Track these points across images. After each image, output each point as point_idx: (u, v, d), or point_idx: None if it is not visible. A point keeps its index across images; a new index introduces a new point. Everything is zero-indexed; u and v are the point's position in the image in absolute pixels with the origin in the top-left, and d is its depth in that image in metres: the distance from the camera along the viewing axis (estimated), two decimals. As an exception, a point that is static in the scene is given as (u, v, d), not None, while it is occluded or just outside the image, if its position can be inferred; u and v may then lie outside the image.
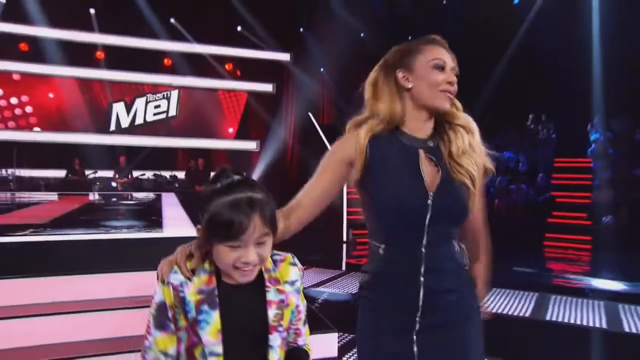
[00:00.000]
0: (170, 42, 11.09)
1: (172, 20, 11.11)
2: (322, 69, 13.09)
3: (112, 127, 11.26)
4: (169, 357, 1.15)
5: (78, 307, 2.96)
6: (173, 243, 2.53)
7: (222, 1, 10.81)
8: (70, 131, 10.56)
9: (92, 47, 10.68)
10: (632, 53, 9.77)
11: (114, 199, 8.28)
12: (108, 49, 10.76)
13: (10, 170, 9.70)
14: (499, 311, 3.91)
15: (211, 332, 1.11)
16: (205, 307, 1.11)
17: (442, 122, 1.37)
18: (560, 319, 3.74)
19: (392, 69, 1.36)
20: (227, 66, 12.16)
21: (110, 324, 2.90)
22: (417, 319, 1.31)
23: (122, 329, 2.87)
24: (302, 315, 1.27)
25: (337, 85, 13.15)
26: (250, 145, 11.76)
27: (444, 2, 12.86)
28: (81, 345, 2.75)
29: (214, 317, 1.11)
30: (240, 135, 12.09)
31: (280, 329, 1.17)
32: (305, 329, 1.28)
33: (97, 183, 9.89)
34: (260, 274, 1.18)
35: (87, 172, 10.00)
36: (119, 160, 10.29)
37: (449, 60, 1.36)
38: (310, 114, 11.91)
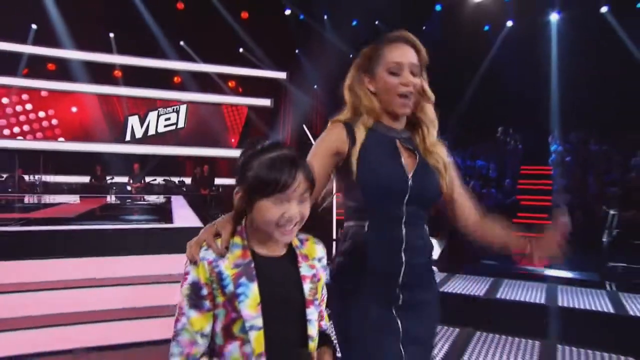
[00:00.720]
0: (180, 62, 11.48)
1: (181, 43, 11.48)
2: (315, 86, 13.45)
3: (128, 138, 11.53)
4: (205, 338, 1.02)
5: (110, 282, 3.57)
6: (181, 232, 3.45)
7: (225, 26, 11.19)
8: (90, 141, 10.92)
9: (111, 66, 11.10)
10: (585, 74, 10.27)
11: (129, 201, 8.62)
12: (125, 68, 11.16)
13: (37, 176, 10.04)
14: (462, 292, 4.42)
15: (251, 305, 1.01)
16: (243, 280, 1.01)
17: (418, 115, 1.40)
18: (507, 297, 4.31)
19: (362, 72, 1.38)
20: (230, 83, 12.45)
21: (133, 297, 3.47)
22: (398, 291, 1.31)
23: (142, 301, 3.45)
24: (324, 299, 1.18)
25: (328, 101, 13.41)
26: None
27: (424, 27, 13.22)
28: (113, 312, 3.36)
29: (253, 290, 1.01)
30: (241, 145, 12.21)
31: (316, 302, 1.09)
32: (326, 313, 1.20)
33: (114, 187, 10.23)
34: (292, 249, 1.11)
35: (106, 177, 10.38)
36: (133, 167, 10.64)
37: (408, 58, 1.34)
38: (304, 126, 12.27)
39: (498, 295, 4.23)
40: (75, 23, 10.10)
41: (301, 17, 12.38)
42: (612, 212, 8.11)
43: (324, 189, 1.38)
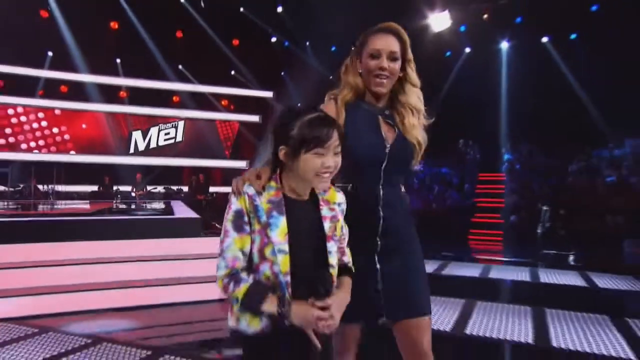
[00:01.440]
0: (178, 84, 12.07)
1: (180, 66, 12.19)
2: (299, 104, 14.16)
3: (132, 150, 11.97)
4: (245, 256, 1.13)
5: (126, 259, 4.38)
6: (181, 220, 4.53)
7: (218, 52, 12.01)
8: (98, 154, 11.45)
9: (117, 88, 11.79)
10: (531, 95, 11.12)
11: (133, 206, 9.26)
12: (129, 89, 11.81)
13: (50, 186, 10.57)
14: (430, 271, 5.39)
15: (279, 234, 1.12)
16: (274, 213, 1.13)
17: (399, 97, 1.52)
18: (452, 274, 5.30)
19: (355, 55, 1.53)
20: (222, 102, 13.04)
21: (145, 271, 4.28)
22: (378, 240, 1.44)
23: (152, 274, 4.29)
24: (346, 238, 1.28)
25: None
26: (241, 164, 12.50)
27: None
28: (132, 282, 4.16)
29: (282, 222, 1.13)
30: (233, 156, 12.77)
31: (335, 237, 1.21)
32: (348, 250, 1.30)
33: (119, 195, 10.86)
34: (315, 195, 1.21)
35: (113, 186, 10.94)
36: (136, 176, 11.22)
37: (389, 45, 1.46)
38: None
39: (455, 273, 5.26)
40: (86, 50, 10.90)
41: (286, 43, 13.25)
42: (544, 208, 9.13)
43: None
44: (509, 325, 3.57)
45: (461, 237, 9.77)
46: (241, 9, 11.58)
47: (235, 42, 12.40)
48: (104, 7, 10.60)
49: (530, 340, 3.26)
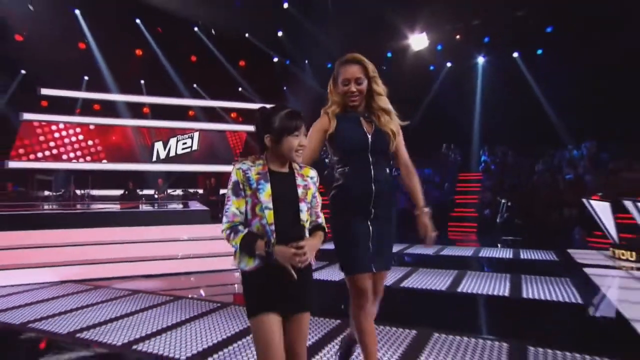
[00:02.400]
0: (193, 100, 13.26)
1: (194, 85, 13.46)
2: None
3: (154, 159, 12.99)
4: (241, 213, 1.49)
5: (153, 239, 5.62)
6: (196, 211, 6.23)
7: (227, 72, 13.30)
8: (126, 162, 12.60)
9: (141, 105, 13.08)
10: (505, 103, 12.06)
11: (156, 205, 10.48)
12: (152, 105, 13.08)
13: (86, 190, 11.67)
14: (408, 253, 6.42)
15: (265, 195, 1.47)
16: (262, 182, 1.48)
17: (372, 104, 1.97)
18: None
19: (333, 80, 2.00)
20: (232, 115, 14.23)
21: (167, 248, 5.52)
22: (371, 209, 1.89)
23: (174, 251, 5.49)
24: (319, 204, 1.60)
25: (309, 126, 15.29)
26: None
27: (384, 67, 15.16)
28: (157, 257, 5.42)
29: (267, 187, 1.48)
30: None
31: (306, 201, 1.54)
32: (322, 214, 1.62)
33: (143, 198, 12.06)
34: (292, 169, 1.55)
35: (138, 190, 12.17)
36: (158, 181, 12.53)
37: (354, 73, 1.91)
38: None
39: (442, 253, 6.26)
40: (115, 74, 12.31)
41: (287, 62, 14.46)
42: (502, 201, 10.16)
43: (319, 152, 1.93)
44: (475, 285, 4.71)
45: (441, 229, 10.86)
46: (246, 35, 12.85)
47: (242, 63, 13.64)
48: (130, 38, 12.00)
49: (506, 293, 4.29)
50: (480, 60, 13.85)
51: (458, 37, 12.61)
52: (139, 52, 12.83)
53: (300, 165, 1.58)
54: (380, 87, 1.98)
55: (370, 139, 1.89)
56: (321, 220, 1.62)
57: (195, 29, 12.69)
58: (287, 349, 1.49)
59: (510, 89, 12.46)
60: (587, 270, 5.04)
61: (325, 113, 1.96)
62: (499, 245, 7.86)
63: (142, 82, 12.97)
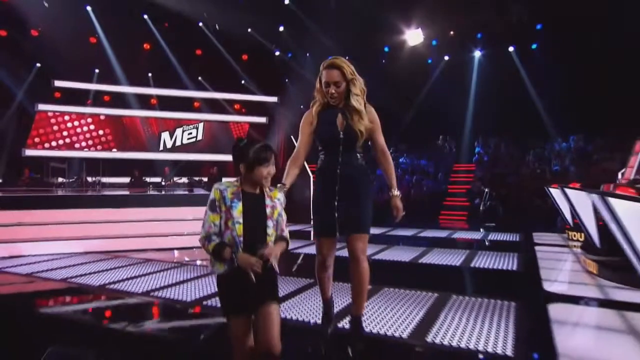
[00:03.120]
0: (198, 92, 13.99)
1: (199, 78, 14.21)
2: (301, 106, 15.88)
3: (161, 148, 13.77)
4: (215, 226, 1.83)
5: (163, 219, 6.59)
6: (200, 195, 7.54)
7: (231, 65, 14.07)
8: (135, 151, 13.41)
9: (149, 96, 13.92)
10: (499, 96, 12.74)
11: (163, 191, 11.37)
12: (159, 97, 13.88)
13: (96, 177, 12.65)
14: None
15: (237, 212, 1.80)
16: (235, 200, 1.82)
17: (349, 102, 2.38)
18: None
19: (318, 82, 2.42)
20: (235, 106, 14.84)
21: (173, 227, 6.48)
22: (336, 187, 2.39)
23: (179, 229, 6.44)
24: (284, 221, 1.93)
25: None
26: None
27: (383, 61, 15.88)
28: (164, 234, 6.39)
29: (239, 205, 1.81)
30: None
31: (272, 218, 1.88)
32: (286, 229, 1.95)
33: (150, 185, 12.99)
34: (262, 191, 1.89)
35: (144, 178, 13.17)
36: (164, 169, 13.50)
37: (333, 77, 2.32)
38: (292, 138, 14.43)
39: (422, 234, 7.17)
40: (124, 66, 13.21)
41: (289, 55, 15.23)
42: (486, 190, 10.99)
43: (311, 142, 2.42)
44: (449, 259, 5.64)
45: (433, 216, 11.61)
46: (249, 30, 13.66)
47: (245, 57, 14.46)
48: (139, 32, 12.88)
49: (457, 264, 5.24)
50: (477, 54, 14.54)
51: (452, 32, 13.31)
52: (146, 46, 13.70)
53: (270, 188, 1.91)
54: (357, 88, 2.39)
55: (341, 135, 2.37)
56: (285, 233, 1.93)
57: (200, 24, 13.49)
58: (262, 339, 1.82)
59: (504, 82, 13.11)
60: (537, 247, 5.92)
61: (310, 109, 2.47)
62: (481, 229, 8.75)
63: (150, 74, 13.79)
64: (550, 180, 11.36)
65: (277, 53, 14.83)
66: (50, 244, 5.74)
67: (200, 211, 6.05)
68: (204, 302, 3.59)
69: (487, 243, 6.71)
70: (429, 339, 2.69)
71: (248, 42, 13.62)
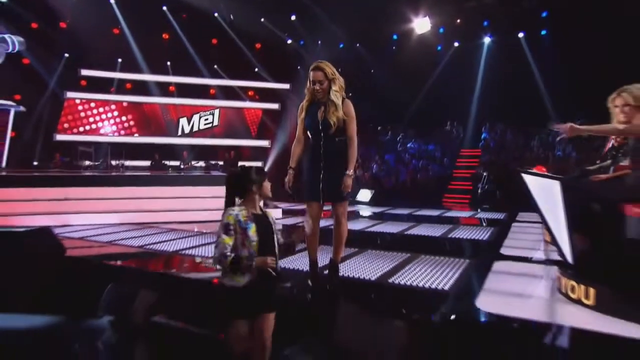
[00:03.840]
0: (214, 80, 15.04)
1: (215, 66, 15.18)
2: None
3: (179, 133, 15.11)
4: (229, 247, 2.21)
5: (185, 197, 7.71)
6: (217, 176, 8.93)
7: (245, 53, 14.99)
8: (155, 136, 14.76)
9: (167, 84, 15.02)
10: (507, 83, 13.27)
11: (182, 173, 12.60)
12: (177, 85, 14.95)
13: (120, 161, 13.57)
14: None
15: (252, 231, 2.26)
16: (249, 222, 2.27)
17: (329, 96, 3.10)
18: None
19: (307, 79, 3.16)
20: (249, 93, 15.98)
21: (191, 203, 7.57)
22: (321, 163, 3.15)
23: (198, 205, 7.55)
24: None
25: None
26: (264, 143, 15.50)
27: (394, 47, 16.47)
28: (184, 209, 7.52)
29: (253, 226, 2.27)
30: (258, 136, 15.53)
31: (279, 235, 2.43)
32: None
33: (170, 168, 14.12)
34: (263, 210, 2.43)
35: (163, 161, 14.27)
36: (182, 153, 14.63)
37: (317, 77, 3.06)
38: None
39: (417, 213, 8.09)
40: (145, 56, 14.28)
41: (301, 42, 16.06)
42: (484, 173, 11.75)
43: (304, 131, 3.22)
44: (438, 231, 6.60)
45: (437, 199, 12.37)
46: (262, 19, 14.55)
47: (258, 45, 15.38)
48: (158, 23, 13.95)
49: (437, 235, 6.23)
50: (487, 40, 15.06)
51: (459, 20, 13.88)
52: (165, 36, 14.74)
53: (262, 209, 2.44)
54: (337, 85, 3.11)
55: (320, 124, 3.15)
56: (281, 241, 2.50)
57: (216, 15, 14.43)
58: (260, 338, 2.35)
59: (512, 68, 13.64)
60: (515, 224, 6.78)
61: (302, 103, 3.26)
62: (478, 210, 9.59)
63: (169, 63, 14.85)
64: (552, 165, 12.03)
65: (289, 41, 15.67)
66: (92, 216, 6.91)
67: (215, 190, 7.29)
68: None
69: (477, 219, 7.59)
70: (390, 280, 3.66)
71: (261, 31, 14.50)
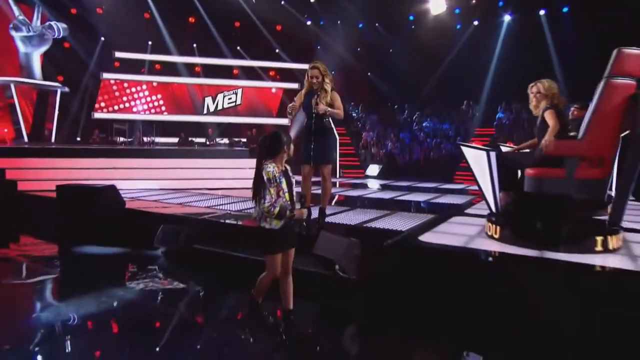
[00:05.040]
0: (237, 60, 16.70)
1: (238, 47, 16.87)
2: (332, 72, 18.21)
3: (205, 112, 16.78)
4: (274, 198, 3.01)
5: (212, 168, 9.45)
6: (237, 151, 10.99)
7: (266, 35, 16.54)
8: (182, 114, 16.59)
9: (194, 65, 16.77)
10: (524, 62, 13.92)
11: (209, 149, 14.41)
12: (203, 66, 16.70)
13: (150, 137, 15.74)
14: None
15: (284, 184, 3.11)
16: (281, 177, 3.08)
17: (323, 87, 4.57)
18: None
19: (306, 74, 4.70)
20: (270, 73, 17.57)
21: (216, 173, 9.31)
22: (312, 137, 4.68)
23: (221, 175, 9.29)
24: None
25: (343, 82, 18.13)
26: (285, 121, 16.13)
27: (412, 27, 17.50)
28: (210, 177, 9.28)
29: (284, 180, 3.11)
30: (278, 115, 16.79)
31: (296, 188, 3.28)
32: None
33: (196, 145, 15.99)
34: (288, 170, 3.22)
35: (190, 138, 16.15)
36: (208, 130, 16.45)
37: (314, 74, 4.57)
38: None
39: (415, 185, 9.61)
40: (173, 38, 16.06)
41: (322, 22, 17.37)
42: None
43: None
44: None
45: (449, 176, 13.49)
46: (282, 2, 15.95)
47: (279, 27, 16.82)
48: (185, 8, 15.60)
49: (422, 199, 7.74)
50: (507, 18, 15.86)
51: (474, 1, 14.80)
52: (191, 19, 16.45)
53: (286, 166, 3.19)
54: (327, 79, 4.59)
55: (313, 109, 4.60)
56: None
57: (239, -2, 15.97)
58: (286, 265, 3.26)
59: (532, 47, 14.38)
60: (496, 193, 8.14)
61: (300, 92, 4.78)
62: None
63: (195, 45, 16.62)
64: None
65: (309, 23, 17.01)
66: (136, 182, 8.72)
67: (237, 162, 9.05)
68: (237, 211, 6.34)
69: (474, 190, 8.96)
70: (364, 225, 5.20)
71: (282, 14, 15.93)
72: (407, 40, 16.76)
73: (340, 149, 15.00)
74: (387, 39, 17.28)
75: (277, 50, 17.11)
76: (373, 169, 13.59)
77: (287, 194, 3.04)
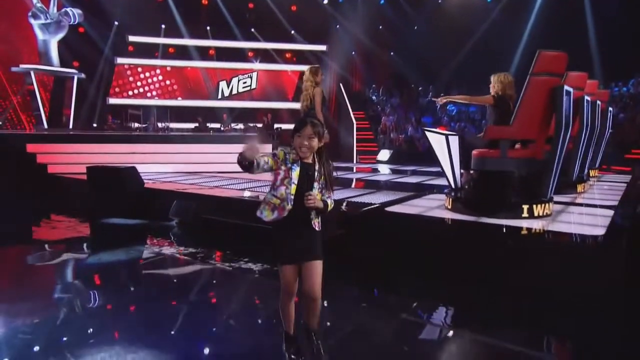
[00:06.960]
0: (251, 43, 18.41)
1: (252, 29, 18.58)
2: (353, 52, 19.60)
3: (219, 96, 18.69)
4: (265, 163, 2.67)
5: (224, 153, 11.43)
6: (250, 136, 13.33)
7: (280, 16, 18.23)
8: (197, 99, 18.59)
9: (207, 48, 18.71)
10: (559, 36, 14.91)
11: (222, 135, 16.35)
12: (217, 49, 18.59)
13: (165, 123, 17.62)
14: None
15: (295, 174, 2.71)
16: (295, 165, 2.72)
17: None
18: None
19: (317, 74, 6.73)
20: (287, 55, 19.25)
21: (229, 157, 11.22)
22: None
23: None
24: (332, 191, 2.87)
25: (361, 64, 19.76)
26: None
27: (439, 1, 18.80)
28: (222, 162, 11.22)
29: (297, 169, 2.72)
30: (295, 99, 17.15)
31: (320, 182, 2.78)
32: (331, 199, 2.86)
33: (211, 131, 17.82)
34: (314, 159, 2.79)
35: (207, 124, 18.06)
36: (222, 115, 18.38)
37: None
38: (340, 85, 18.65)
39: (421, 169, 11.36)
40: (186, 22, 18.03)
41: (340, 0, 18.93)
42: None
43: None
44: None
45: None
46: (297, -19, 17.63)
47: (294, 7, 18.52)
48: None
49: (415, 182, 9.43)
50: (540, -7, 16.96)
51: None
52: (204, 1, 18.36)
53: (318, 161, 2.81)
54: (318, 89, 6.63)
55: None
56: (330, 200, 2.84)
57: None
58: (308, 286, 2.76)
59: (566, 20, 15.47)
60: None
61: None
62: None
63: (208, 28, 18.53)
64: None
65: (325, 1, 18.61)
66: (153, 166, 10.74)
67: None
68: (248, 190, 8.20)
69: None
70: (347, 199, 6.94)
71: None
72: (432, 16, 18.00)
73: (357, 134, 16.74)
74: (411, 16, 18.61)
75: (292, 32, 18.75)
76: (384, 154, 15.31)
77: (293, 186, 2.71)
